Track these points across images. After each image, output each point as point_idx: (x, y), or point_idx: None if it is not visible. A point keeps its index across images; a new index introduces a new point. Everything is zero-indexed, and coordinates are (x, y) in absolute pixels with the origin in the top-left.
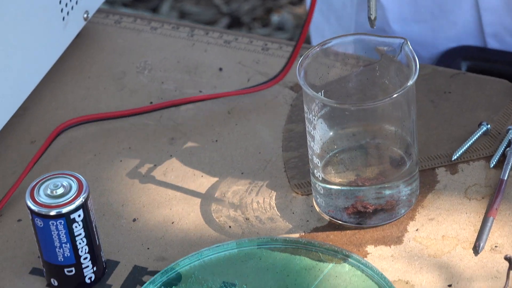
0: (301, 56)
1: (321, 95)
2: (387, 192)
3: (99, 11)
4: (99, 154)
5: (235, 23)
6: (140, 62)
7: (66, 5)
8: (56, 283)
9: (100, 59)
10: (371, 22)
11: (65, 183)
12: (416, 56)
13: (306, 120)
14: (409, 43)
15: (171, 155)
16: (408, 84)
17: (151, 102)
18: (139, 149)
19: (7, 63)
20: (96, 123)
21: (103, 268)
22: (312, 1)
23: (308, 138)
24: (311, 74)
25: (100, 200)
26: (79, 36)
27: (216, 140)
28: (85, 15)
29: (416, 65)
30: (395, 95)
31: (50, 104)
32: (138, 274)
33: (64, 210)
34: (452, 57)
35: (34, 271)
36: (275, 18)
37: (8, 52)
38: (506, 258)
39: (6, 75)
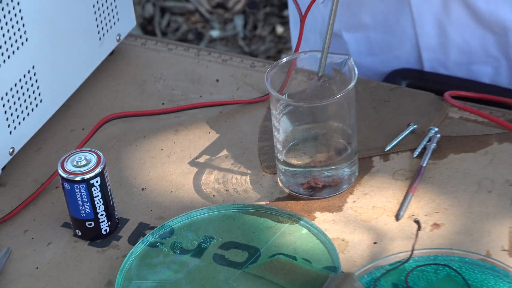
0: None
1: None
2: (333, 172)
3: (129, 35)
4: (121, 140)
5: None
6: (157, 74)
7: (102, 28)
8: (80, 234)
9: (127, 71)
10: (319, 77)
11: (87, 157)
12: (356, 68)
13: (272, 117)
14: (352, 58)
15: (174, 142)
16: (348, 87)
17: (163, 104)
18: (151, 138)
19: (57, 69)
20: (122, 118)
21: (116, 223)
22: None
23: (274, 131)
24: (276, 82)
25: (119, 173)
26: (112, 53)
27: (209, 132)
28: (117, 37)
29: (355, 74)
30: (337, 96)
31: (88, 103)
32: (142, 229)
33: (86, 177)
34: (394, 77)
35: (65, 225)
36: (283, 55)
37: (59, 60)
38: (415, 221)
39: (55, 78)
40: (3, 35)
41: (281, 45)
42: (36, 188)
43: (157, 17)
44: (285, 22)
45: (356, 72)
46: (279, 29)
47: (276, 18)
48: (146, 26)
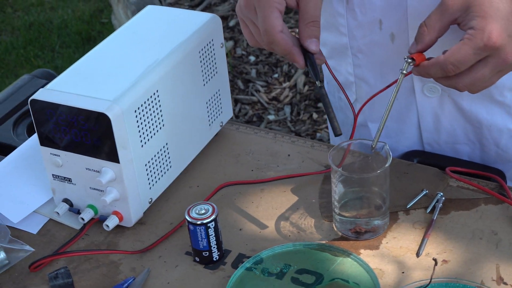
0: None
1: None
2: (373, 222)
3: (228, 122)
4: (225, 195)
5: None
6: (247, 149)
7: (211, 118)
8: (198, 260)
9: (227, 146)
10: (372, 148)
11: (205, 207)
12: (390, 152)
13: (332, 183)
14: (387, 145)
15: (261, 198)
16: (386, 165)
17: (252, 170)
18: (246, 195)
19: (181, 145)
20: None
21: (223, 253)
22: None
23: (332, 192)
24: (335, 159)
25: (225, 218)
26: (217, 134)
27: (284, 191)
28: (221, 124)
29: (390, 156)
30: (378, 171)
31: (200, 168)
32: (240, 257)
33: (204, 221)
34: (409, 155)
35: (187, 253)
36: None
37: (183, 139)
38: (433, 259)
39: (180, 151)
40: (151, 122)
41: (316, 126)
42: (167, 226)
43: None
44: (319, 111)
45: (391, 154)
46: (314, 115)
47: (312, 108)
48: None
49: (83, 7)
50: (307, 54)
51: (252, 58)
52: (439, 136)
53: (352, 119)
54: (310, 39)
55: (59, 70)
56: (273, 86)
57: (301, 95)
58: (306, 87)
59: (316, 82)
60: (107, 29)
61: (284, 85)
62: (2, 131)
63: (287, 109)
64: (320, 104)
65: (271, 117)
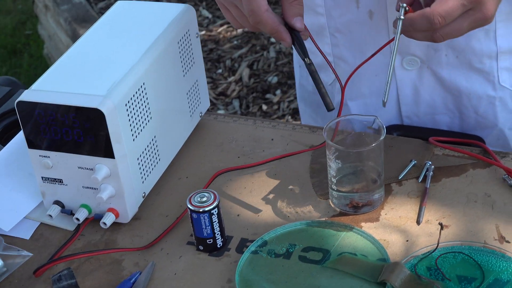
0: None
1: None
2: (370, 196)
3: (206, 113)
4: (217, 183)
5: None
6: (230, 137)
7: (191, 109)
8: (202, 248)
9: (209, 136)
10: (384, 103)
11: (207, 195)
12: (383, 125)
13: (327, 158)
14: (378, 118)
15: (252, 182)
16: (380, 139)
17: (238, 157)
18: (237, 181)
19: (168, 137)
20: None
21: (226, 239)
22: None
23: (328, 168)
24: (329, 135)
25: (221, 206)
26: (197, 125)
27: (275, 174)
28: (200, 114)
29: (384, 129)
30: (373, 145)
31: (186, 159)
32: (243, 242)
33: (207, 209)
34: (388, 130)
35: (188, 243)
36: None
37: (169, 131)
38: (439, 223)
39: (167, 143)
40: (141, 115)
41: (268, 117)
42: (163, 219)
43: None
44: (267, 102)
45: (385, 128)
46: (264, 107)
47: (260, 100)
48: None
49: (4, 20)
50: (293, 32)
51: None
52: (418, 108)
53: (335, 97)
54: (296, 17)
55: None
56: (218, 81)
57: (247, 88)
58: (252, 80)
59: (305, 60)
60: (34, 40)
61: (230, 79)
62: None
63: (236, 103)
64: (268, 95)
65: (221, 112)
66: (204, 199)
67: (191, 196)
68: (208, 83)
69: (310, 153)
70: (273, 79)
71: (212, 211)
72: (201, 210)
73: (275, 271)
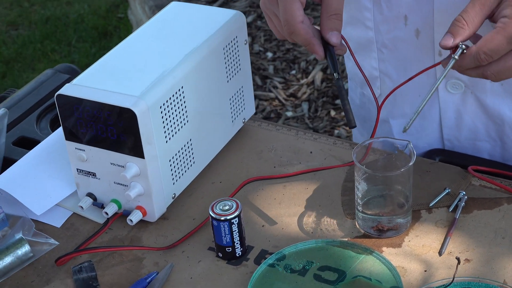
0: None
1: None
2: (395, 220)
3: (250, 119)
4: (248, 191)
5: None
6: (270, 146)
7: (234, 114)
8: (221, 255)
9: (249, 143)
10: (405, 129)
11: (229, 203)
12: (414, 150)
13: (355, 180)
14: (411, 143)
15: (283, 194)
16: (410, 164)
17: (274, 167)
18: (268, 191)
19: (205, 141)
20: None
21: (246, 249)
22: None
23: (355, 189)
24: (359, 156)
25: (247, 215)
26: (240, 130)
27: (307, 188)
28: (243, 120)
29: (414, 155)
30: (402, 170)
31: (223, 164)
32: (263, 253)
33: (228, 217)
34: (431, 154)
35: (210, 248)
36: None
37: (206, 135)
38: (456, 258)
39: (203, 147)
40: (176, 118)
41: (334, 123)
42: (190, 222)
43: None
44: (336, 108)
45: (415, 153)
46: (332, 113)
47: (330, 105)
48: None
49: (99, 2)
50: (327, 46)
51: (269, 55)
52: (460, 133)
53: (375, 115)
54: (332, 31)
55: (76, 64)
56: (290, 82)
57: (318, 92)
58: (324, 84)
59: (334, 74)
60: (124, 24)
61: (302, 81)
62: (25, 125)
63: (305, 106)
64: (338, 101)
65: (289, 114)
66: (227, 207)
67: (214, 203)
68: (280, 83)
69: (345, 170)
70: (345, 85)
71: (232, 221)
72: (222, 219)
73: (288, 286)
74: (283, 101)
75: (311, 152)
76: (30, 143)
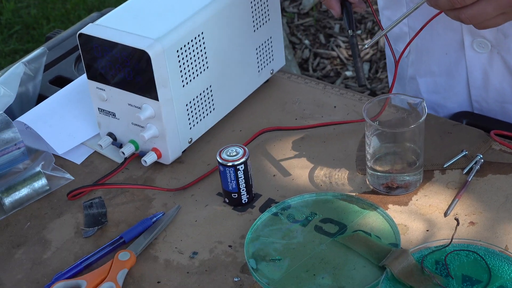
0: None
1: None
2: (405, 178)
3: (280, 70)
4: (266, 140)
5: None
6: (295, 98)
7: (261, 64)
8: (227, 201)
9: (275, 94)
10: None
11: (237, 150)
12: (426, 108)
13: (365, 137)
14: (424, 101)
15: (300, 146)
16: (420, 121)
17: (296, 119)
18: (286, 142)
19: (227, 88)
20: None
21: (252, 197)
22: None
23: (366, 146)
24: (372, 112)
25: (261, 163)
26: (267, 81)
27: (324, 141)
28: (271, 71)
29: (425, 112)
30: (412, 126)
31: (245, 113)
32: (269, 202)
33: (234, 163)
34: (458, 116)
35: (219, 194)
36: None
37: (229, 83)
38: (455, 219)
39: (225, 94)
40: (194, 64)
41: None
42: (204, 167)
43: (311, 59)
44: None
45: (426, 110)
46: None
47: None
48: (303, 65)
49: None
50: (344, 2)
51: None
52: (488, 94)
53: (408, 72)
54: None
55: None
56: None
57: (381, 53)
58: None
59: (349, 31)
60: None
61: (366, 42)
62: (64, 65)
63: (366, 67)
64: None
65: (348, 73)
66: (234, 153)
67: (222, 149)
68: (343, 42)
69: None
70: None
71: (238, 167)
72: (229, 164)
73: (288, 235)
74: (345, 60)
75: (335, 107)
76: (66, 83)
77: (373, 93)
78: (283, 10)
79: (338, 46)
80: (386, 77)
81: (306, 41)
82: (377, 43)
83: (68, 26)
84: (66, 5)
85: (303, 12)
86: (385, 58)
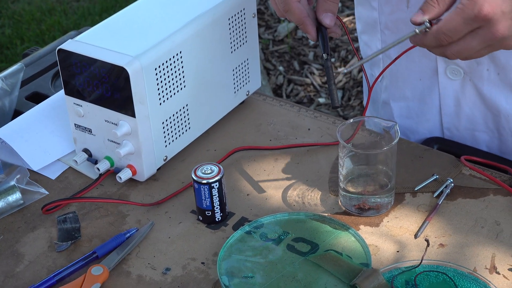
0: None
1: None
2: (377, 200)
3: (255, 93)
4: (239, 160)
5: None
6: (270, 120)
7: (237, 86)
8: (201, 218)
9: (250, 115)
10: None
11: (212, 168)
12: (398, 132)
13: (339, 158)
14: (397, 125)
15: (273, 167)
16: (392, 144)
17: (270, 140)
18: (259, 162)
19: (203, 108)
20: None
21: (226, 215)
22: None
23: (339, 167)
24: (345, 134)
25: (234, 183)
26: (242, 103)
27: (298, 163)
28: (247, 93)
29: (398, 136)
30: (384, 149)
31: (220, 133)
32: (243, 221)
33: (209, 181)
34: (429, 141)
35: (192, 211)
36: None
37: (205, 103)
38: (425, 240)
39: (201, 114)
40: (171, 82)
41: None
42: (178, 185)
43: (285, 85)
44: None
45: (399, 134)
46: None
47: (362, 95)
48: (277, 91)
49: None
50: (320, 27)
51: (311, 41)
52: (459, 122)
53: (382, 97)
54: (326, 13)
55: None
56: None
57: (354, 81)
58: (361, 74)
59: (323, 55)
60: None
61: (339, 70)
62: (41, 81)
63: (339, 93)
64: None
65: (322, 100)
66: (209, 171)
67: (197, 167)
68: (317, 69)
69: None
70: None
71: (212, 185)
72: (203, 182)
73: (260, 253)
74: (318, 87)
75: (309, 129)
76: (42, 99)
77: (346, 120)
78: (258, 36)
79: (312, 73)
80: (359, 104)
81: (281, 68)
82: (350, 71)
83: (43, 46)
84: (41, 26)
85: (278, 39)
86: (357, 86)
